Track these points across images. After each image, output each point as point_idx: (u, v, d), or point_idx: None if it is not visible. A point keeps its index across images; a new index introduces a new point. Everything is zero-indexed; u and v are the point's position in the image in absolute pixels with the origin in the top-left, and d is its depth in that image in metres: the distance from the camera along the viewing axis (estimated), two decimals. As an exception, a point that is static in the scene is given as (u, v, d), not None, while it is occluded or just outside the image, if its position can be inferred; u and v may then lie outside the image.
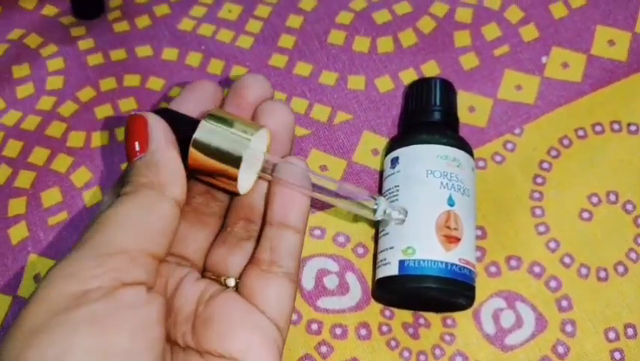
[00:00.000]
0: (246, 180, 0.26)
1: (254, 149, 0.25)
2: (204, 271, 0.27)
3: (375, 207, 0.26)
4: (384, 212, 0.26)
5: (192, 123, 0.25)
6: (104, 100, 0.38)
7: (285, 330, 0.25)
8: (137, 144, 0.24)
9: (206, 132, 0.24)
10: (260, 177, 0.27)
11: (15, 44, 0.40)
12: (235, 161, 0.24)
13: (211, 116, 0.25)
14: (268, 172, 0.26)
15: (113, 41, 0.40)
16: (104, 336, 0.20)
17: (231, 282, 0.26)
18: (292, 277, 0.25)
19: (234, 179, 0.25)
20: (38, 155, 0.36)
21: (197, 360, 0.23)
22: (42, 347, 0.19)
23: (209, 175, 0.25)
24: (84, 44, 0.40)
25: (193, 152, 0.24)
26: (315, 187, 0.26)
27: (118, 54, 0.39)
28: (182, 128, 0.25)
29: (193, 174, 0.25)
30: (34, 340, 0.19)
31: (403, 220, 0.27)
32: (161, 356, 0.21)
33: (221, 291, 0.25)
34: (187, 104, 0.27)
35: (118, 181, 0.25)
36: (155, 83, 0.38)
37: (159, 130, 0.24)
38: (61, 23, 0.41)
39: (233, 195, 0.27)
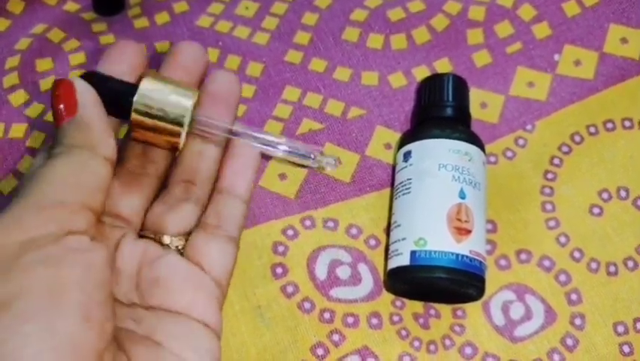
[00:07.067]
0: (183, 137, 0.28)
1: (192, 108, 0.27)
2: (142, 230, 0.28)
3: (313, 157, 0.32)
4: (319, 161, 0.32)
5: (126, 85, 0.26)
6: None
7: (226, 287, 0.27)
8: (64, 108, 0.24)
9: (146, 95, 0.26)
10: (195, 134, 0.29)
11: (38, 39, 0.41)
12: (178, 121, 0.26)
13: (148, 78, 0.26)
14: (198, 129, 0.28)
15: (132, 37, 0.41)
16: (59, 270, 0.20)
17: (166, 239, 0.27)
18: (235, 240, 0.28)
19: (177, 136, 0.26)
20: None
21: (144, 313, 0.25)
22: None
23: (150, 134, 0.26)
24: (105, 39, 0.41)
25: (134, 115, 0.26)
26: (261, 141, 0.30)
27: (137, 49, 0.40)
28: (115, 90, 0.26)
29: (132, 133, 0.27)
30: None
31: (335, 165, 0.33)
32: (110, 297, 0.22)
33: (165, 253, 0.26)
34: (115, 66, 0.28)
35: (47, 144, 0.26)
36: (174, 78, 0.39)
37: (87, 94, 0.25)
38: (83, 19, 0.42)
39: (174, 151, 0.29)
